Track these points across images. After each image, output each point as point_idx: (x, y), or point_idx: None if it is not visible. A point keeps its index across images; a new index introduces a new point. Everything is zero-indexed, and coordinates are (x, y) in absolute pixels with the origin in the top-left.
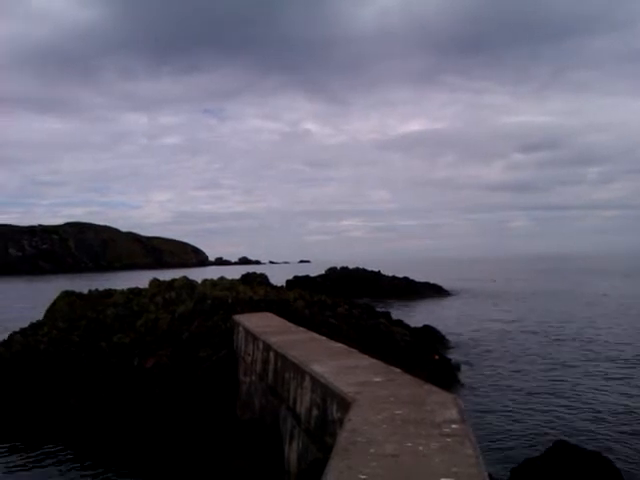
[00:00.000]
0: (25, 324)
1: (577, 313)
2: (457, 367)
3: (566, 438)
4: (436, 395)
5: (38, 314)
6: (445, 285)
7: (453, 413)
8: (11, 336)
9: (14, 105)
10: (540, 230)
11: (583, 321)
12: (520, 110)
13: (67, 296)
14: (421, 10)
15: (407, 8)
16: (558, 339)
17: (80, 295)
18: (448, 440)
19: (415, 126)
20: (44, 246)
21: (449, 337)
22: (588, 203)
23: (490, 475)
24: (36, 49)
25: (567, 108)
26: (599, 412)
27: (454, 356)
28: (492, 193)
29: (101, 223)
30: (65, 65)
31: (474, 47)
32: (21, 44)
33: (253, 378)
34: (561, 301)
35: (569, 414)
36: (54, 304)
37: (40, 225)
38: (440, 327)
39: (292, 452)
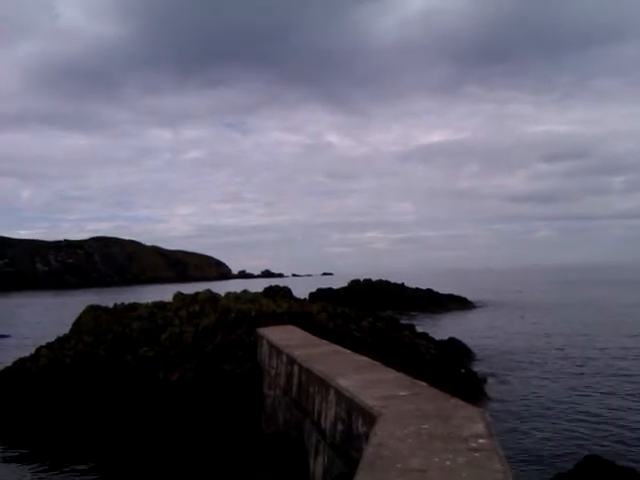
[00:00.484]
0: (52, 338)
1: (605, 325)
2: (484, 380)
3: (597, 453)
4: (463, 409)
5: (64, 328)
6: (470, 297)
7: (480, 427)
8: (38, 350)
9: (41, 122)
10: (565, 240)
11: (611, 333)
12: (543, 119)
13: (93, 310)
14: (441, 20)
15: (427, 18)
16: (587, 352)
17: (106, 309)
18: (476, 455)
19: (437, 137)
20: (70, 260)
21: (475, 350)
22: (613, 213)
23: None
24: (61, 66)
25: (591, 117)
26: (630, 427)
27: (480, 369)
28: (515, 203)
29: (126, 237)
30: (90, 81)
31: (496, 57)
32: (47, 61)
33: (277, 392)
34: (589, 312)
35: (599, 429)
36: (80, 318)
37: (66, 240)
38: (466, 340)
39: (317, 466)
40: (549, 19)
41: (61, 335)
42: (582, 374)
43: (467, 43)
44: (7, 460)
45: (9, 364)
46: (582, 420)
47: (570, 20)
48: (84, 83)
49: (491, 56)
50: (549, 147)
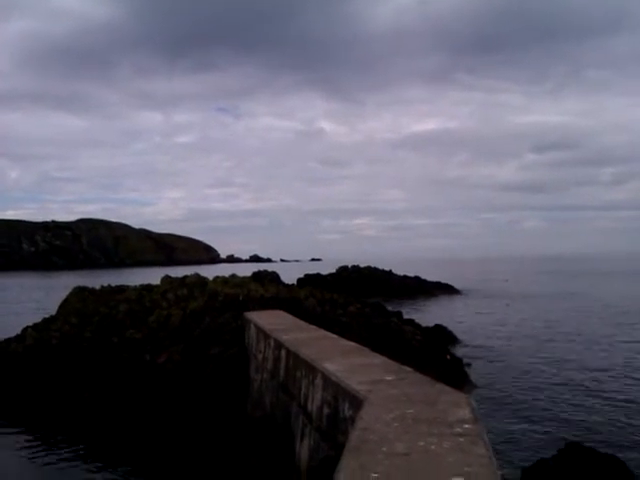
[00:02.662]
0: (38, 319)
1: (589, 314)
2: (469, 366)
3: (579, 440)
4: (448, 394)
5: (51, 309)
6: (457, 285)
7: (465, 413)
8: (24, 331)
9: (30, 102)
10: (553, 230)
11: (596, 323)
12: (535, 110)
13: (80, 292)
14: (437, 9)
15: (423, 7)
16: (571, 340)
17: (92, 291)
18: (460, 440)
19: (429, 125)
20: (57, 242)
21: (461, 337)
22: (602, 204)
23: (502, 475)
24: (53, 46)
25: (583, 108)
26: (613, 414)
27: (465, 356)
28: (505, 193)
29: (114, 220)
30: (81, 62)
31: (490, 46)
32: (38, 41)
33: (264, 376)
34: (573, 302)
35: (582, 415)
36: (67, 299)
37: (54, 221)
38: (451, 327)
39: (303, 450)
40: (545, 9)
41: (47, 316)
42: (565, 362)
43: (462, 31)
44: None
45: None
46: (564, 407)
47: (566, 10)
48: (75, 64)
49: (485, 45)
50: (539, 137)
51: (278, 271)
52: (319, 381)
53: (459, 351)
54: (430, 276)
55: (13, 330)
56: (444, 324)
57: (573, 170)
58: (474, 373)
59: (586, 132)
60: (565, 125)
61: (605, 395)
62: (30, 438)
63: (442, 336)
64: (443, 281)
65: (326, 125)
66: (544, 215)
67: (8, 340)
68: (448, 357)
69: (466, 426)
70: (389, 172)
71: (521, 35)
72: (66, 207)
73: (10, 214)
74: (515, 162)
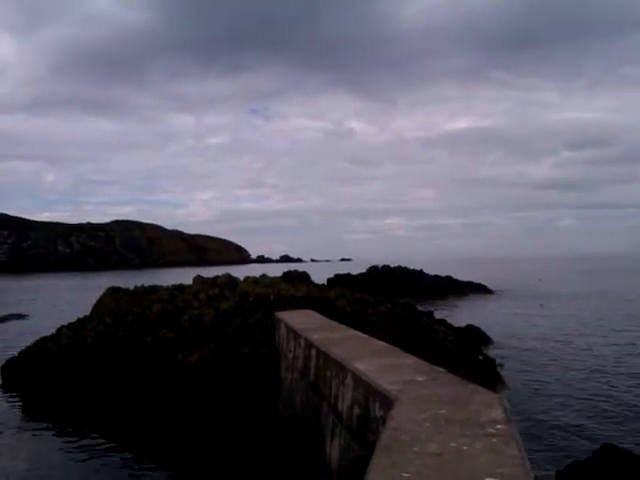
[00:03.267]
0: (73, 319)
1: (626, 315)
2: (501, 367)
3: (614, 442)
4: (481, 395)
5: (85, 309)
6: (489, 285)
7: (498, 413)
8: (59, 330)
9: (66, 106)
10: (589, 229)
11: (633, 323)
12: (570, 107)
13: (113, 292)
14: (469, 6)
15: (453, 4)
16: (606, 341)
17: (126, 291)
18: (493, 440)
19: (461, 124)
20: (91, 243)
21: (493, 337)
22: (638, 202)
23: (535, 477)
24: (88, 52)
25: (618, 105)
26: None
27: (498, 356)
28: (540, 191)
29: (147, 221)
30: (116, 67)
31: (523, 43)
32: (74, 47)
33: (295, 375)
34: (608, 302)
35: (618, 418)
36: (101, 300)
37: (88, 223)
38: (484, 327)
39: (334, 449)
40: (578, 5)
41: (82, 316)
42: (600, 363)
43: (494, 29)
44: (30, 436)
45: (29, 343)
46: (599, 409)
47: (600, 6)
48: (109, 68)
49: (518, 42)
50: (575, 135)
51: (308, 271)
52: (349, 381)
53: (492, 352)
54: (462, 276)
55: (48, 330)
56: (476, 324)
57: (608, 168)
58: (507, 374)
59: (622, 129)
60: (600, 122)
61: None
62: (65, 436)
63: (474, 336)
64: (475, 281)
65: (356, 125)
66: (579, 213)
67: (44, 339)
68: (480, 358)
69: (499, 427)
70: (420, 171)
71: (555, 31)
72: (101, 209)
73: (46, 216)
74: (550, 160)
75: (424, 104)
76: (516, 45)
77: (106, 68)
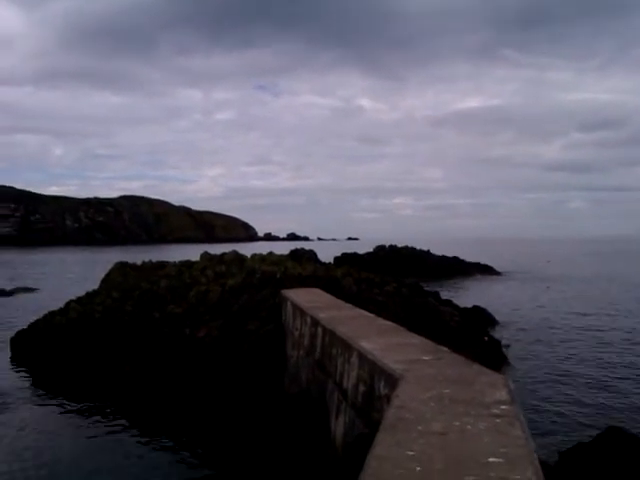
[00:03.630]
0: (81, 293)
1: (634, 299)
2: (506, 348)
3: (619, 424)
4: (485, 375)
5: (93, 284)
6: (497, 266)
7: (502, 394)
8: (67, 304)
9: (74, 80)
10: (598, 211)
11: (637, 307)
12: (582, 87)
13: (121, 267)
14: None
15: None
16: (612, 323)
17: (134, 266)
18: (497, 421)
19: (472, 102)
20: (99, 218)
21: (499, 318)
22: None
23: (539, 458)
24: (96, 25)
25: (631, 86)
26: None
27: (504, 337)
28: (550, 173)
29: (155, 197)
30: (124, 41)
31: (537, 22)
32: (82, 20)
33: (301, 352)
34: (617, 286)
35: (623, 400)
36: (109, 274)
37: (96, 197)
38: (490, 308)
39: (338, 426)
40: None
41: (90, 290)
42: (607, 346)
43: (507, 6)
44: (38, 409)
45: (39, 317)
46: (604, 391)
47: None
48: (117, 42)
49: (531, 20)
50: (587, 116)
51: (315, 249)
52: (355, 359)
53: (497, 333)
54: (469, 257)
55: (56, 304)
56: (483, 305)
57: (619, 150)
58: (512, 355)
59: (634, 110)
60: (612, 103)
61: None
62: (73, 410)
63: (480, 317)
64: (483, 262)
65: (365, 102)
66: (589, 196)
67: (52, 313)
68: (486, 338)
69: (503, 407)
70: (429, 151)
71: (568, 10)
72: (108, 184)
73: (54, 190)
74: (561, 141)
75: (434, 82)
76: (528, 23)
77: (113, 42)
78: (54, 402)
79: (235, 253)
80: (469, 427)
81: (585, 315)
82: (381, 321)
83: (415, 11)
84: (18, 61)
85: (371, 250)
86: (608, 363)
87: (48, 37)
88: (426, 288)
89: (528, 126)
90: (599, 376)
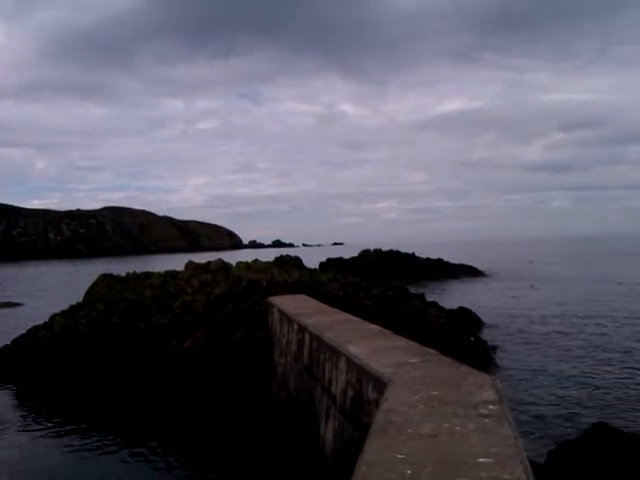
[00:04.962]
0: (65, 307)
1: (616, 296)
2: (493, 349)
3: (606, 421)
4: (473, 376)
5: (77, 297)
6: (481, 267)
7: (490, 394)
8: (52, 318)
9: (55, 91)
10: (581, 211)
11: (623, 304)
12: (562, 88)
13: (105, 279)
14: None
15: None
16: (597, 322)
17: (118, 278)
18: (486, 421)
19: (453, 105)
20: (82, 230)
21: (485, 319)
22: (629, 183)
23: (528, 456)
24: (76, 36)
25: (610, 86)
26: (638, 396)
27: (490, 338)
28: (531, 173)
29: (138, 207)
30: (104, 52)
31: (516, 24)
32: (62, 31)
33: (288, 359)
34: (599, 284)
35: (609, 397)
36: (93, 286)
37: (78, 210)
38: (475, 309)
39: (328, 431)
40: None
41: (74, 303)
42: (592, 344)
43: (486, 9)
44: (23, 425)
45: (23, 331)
46: (590, 388)
47: None
48: (98, 53)
49: (511, 23)
50: (567, 116)
51: (300, 256)
52: (343, 364)
53: (483, 333)
54: (454, 259)
55: (41, 318)
56: (468, 306)
57: (600, 149)
58: (499, 355)
59: (613, 110)
60: (592, 103)
61: (634, 377)
62: (58, 424)
63: (466, 318)
64: (467, 263)
65: (348, 108)
66: (570, 195)
67: (37, 327)
68: (472, 339)
69: (491, 407)
70: (412, 154)
71: (548, 12)
72: (91, 195)
73: (36, 203)
74: (542, 141)
75: (416, 86)
76: (508, 26)
77: (95, 53)
78: (38, 418)
79: (220, 262)
80: (458, 428)
81: (569, 314)
82: (367, 325)
83: (395, 15)
84: None
85: (356, 255)
86: (594, 361)
87: (29, 49)
88: (412, 291)
89: (509, 127)
90: (584, 374)
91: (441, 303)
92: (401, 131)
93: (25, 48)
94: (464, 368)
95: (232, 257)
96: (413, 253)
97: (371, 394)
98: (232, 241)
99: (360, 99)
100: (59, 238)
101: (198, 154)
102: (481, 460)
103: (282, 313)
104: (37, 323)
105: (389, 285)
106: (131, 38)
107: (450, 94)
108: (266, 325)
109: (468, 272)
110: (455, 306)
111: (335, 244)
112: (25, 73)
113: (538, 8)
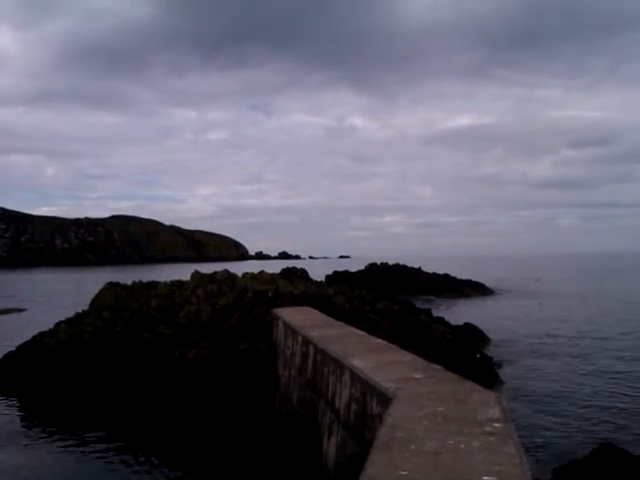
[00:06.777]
0: (70, 314)
1: (623, 315)
2: (499, 366)
3: (612, 441)
4: (478, 393)
5: (83, 304)
6: (488, 283)
7: (495, 412)
8: (57, 325)
9: (67, 100)
10: (589, 228)
11: (632, 323)
12: (572, 104)
13: (111, 287)
14: (473, 3)
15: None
16: (603, 341)
17: (124, 286)
18: (490, 439)
19: (463, 121)
20: (90, 238)
21: (491, 335)
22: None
23: (532, 475)
24: (89, 46)
25: (621, 103)
26: None
27: (496, 355)
28: (540, 190)
29: (146, 216)
30: (116, 61)
31: (527, 40)
32: (75, 40)
33: (292, 372)
34: (607, 302)
35: (615, 417)
36: (99, 295)
37: (87, 218)
38: (482, 325)
39: (330, 446)
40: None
41: (80, 311)
42: (599, 363)
43: (498, 25)
44: (28, 433)
45: (28, 338)
46: (596, 408)
47: (604, 3)
48: (110, 62)
49: (522, 39)
50: (577, 133)
51: (307, 268)
52: (347, 378)
53: (489, 350)
54: (461, 274)
55: (46, 325)
56: (474, 323)
57: (610, 166)
58: (504, 372)
59: (623, 127)
60: (603, 120)
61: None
62: (63, 431)
63: (472, 335)
64: (474, 279)
65: (357, 121)
66: (580, 212)
67: (42, 334)
68: (478, 356)
69: (496, 425)
70: (421, 169)
71: (559, 28)
72: (100, 204)
73: (45, 210)
74: (551, 158)
75: (425, 101)
76: (519, 42)
77: (107, 62)
78: (43, 425)
79: (226, 272)
80: (462, 446)
81: (576, 332)
82: (373, 339)
83: (407, 30)
84: (12, 82)
85: (363, 268)
86: (600, 380)
87: (42, 58)
88: (418, 305)
89: (518, 144)
90: (591, 393)
91: (447, 318)
92: (410, 145)
93: (38, 56)
94: (469, 384)
95: (238, 268)
96: (419, 268)
97: (375, 409)
98: (238, 252)
99: (370, 112)
100: (67, 245)
101: (207, 164)
102: (485, 478)
103: (287, 325)
104: (42, 329)
105: (395, 299)
106: (143, 48)
107: (460, 109)
108: (270, 337)
109: (475, 288)
110: (461, 322)
111: (342, 257)
112: (38, 81)
113: (550, 24)
